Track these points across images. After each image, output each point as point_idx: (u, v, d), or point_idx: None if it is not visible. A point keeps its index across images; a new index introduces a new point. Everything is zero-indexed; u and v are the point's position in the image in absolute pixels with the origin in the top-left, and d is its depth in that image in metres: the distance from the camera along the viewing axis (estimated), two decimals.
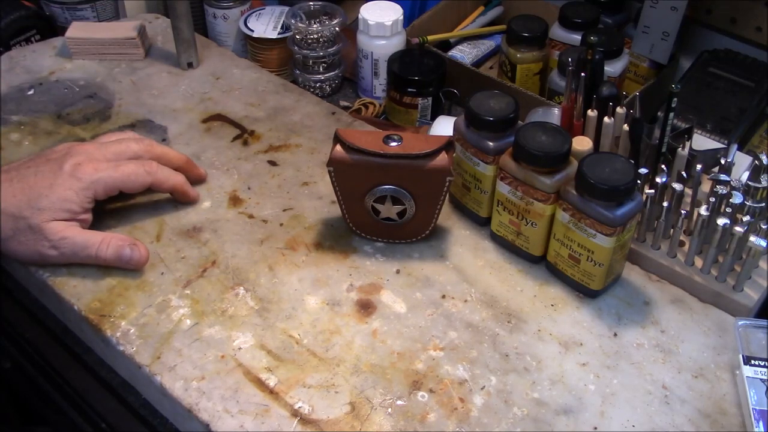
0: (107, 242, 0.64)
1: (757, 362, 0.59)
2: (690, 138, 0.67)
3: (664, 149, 0.67)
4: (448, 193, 0.72)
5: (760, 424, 0.55)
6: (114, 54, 0.90)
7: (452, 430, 0.56)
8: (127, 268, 0.65)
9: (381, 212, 0.67)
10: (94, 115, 0.82)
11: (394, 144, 0.64)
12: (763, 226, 0.62)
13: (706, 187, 0.67)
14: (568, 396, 0.58)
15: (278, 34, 0.94)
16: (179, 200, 0.71)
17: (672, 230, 0.67)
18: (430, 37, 0.92)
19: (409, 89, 0.86)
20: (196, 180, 0.73)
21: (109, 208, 0.70)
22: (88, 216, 0.65)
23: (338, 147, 0.64)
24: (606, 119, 0.66)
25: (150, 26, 0.95)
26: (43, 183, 0.62)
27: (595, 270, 0.63)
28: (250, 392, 0.57)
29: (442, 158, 0.64)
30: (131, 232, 0.69)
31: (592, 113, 0.67)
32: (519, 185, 0.64)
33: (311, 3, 0.93)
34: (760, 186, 0.64)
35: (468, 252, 0.69)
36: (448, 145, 0.64)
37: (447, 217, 0.73)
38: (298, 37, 0.91)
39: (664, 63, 0.88)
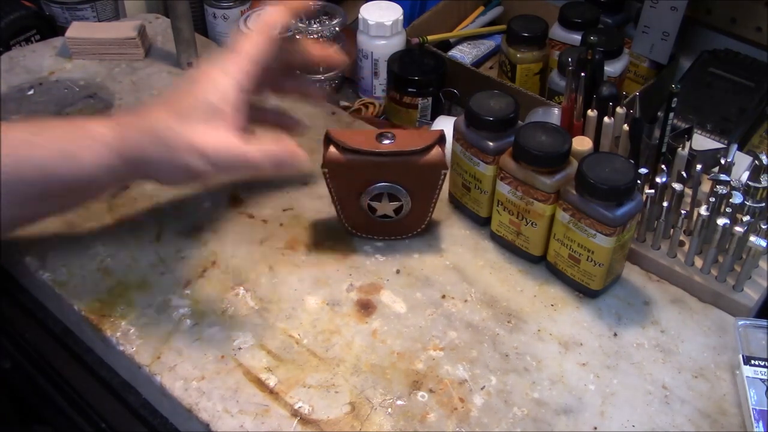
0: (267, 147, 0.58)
1: (757, 362, 0.59)
2: (690, 138, 0.67)
3: (664, 149, 0.67)
4: (448, 192, 0.73)
5: (760, 424, 0.55)
6: (114, 54, 0.90)
7: (452, 430, 0.56)
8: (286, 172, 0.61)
9: (377, 210, 0.67)
10: (94, 115, 0.82)
11: (387, 142, 0.64)
12: (763, 226, 0.62)
13: (706, 187, 0.67)
14: (568, 396, 0.58)
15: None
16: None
17: (672, 230, 0.67)
18: (430, 37, 0.92)
19: (409, 89, 0.86)
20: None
21: (113, 204, 0.70)
22: (239, 116, 0.58)
23: (332, 148, 0.64)
24: (606, 119, 0.66)
25: (150, 26, 0.95)
26: (180, 96, 0.58)
27: (595, 270, 0.63)
28: (250, 392, 0.57)
29: (437, 152, 0.64)
30: (131, 232, 0.69)
31: (592, 113, 0.67)
32: (519, 185, 0.64)
33: (311, 3, 0.93)
34: (760, 186, 0.64)
35: (468, 252, 0.69)
36: (440, 139, 0.65)
37: (447, 217, 0.73)
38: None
39: (664, 63, 0.88)
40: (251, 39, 0.60)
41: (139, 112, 0.59)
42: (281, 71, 0.65)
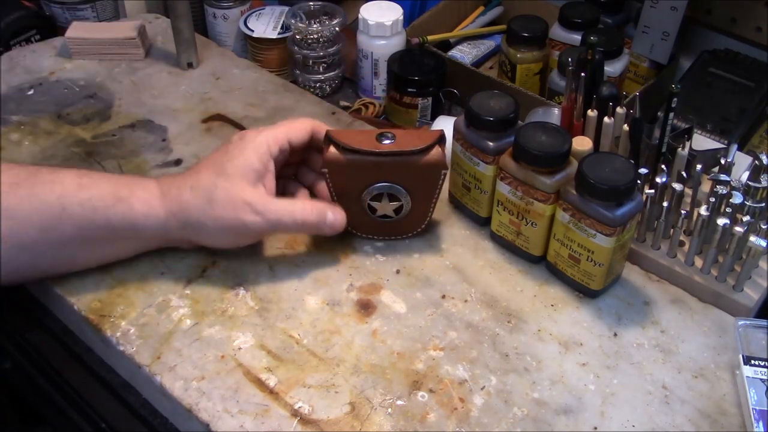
0: (309, 205, 0.64)
1: (757, 362, 0.59)
2: (690, 138, 0.67)
3: (664, 149, 0.67)
4: (448, 192, 0.73)
5: (760, 424, 0.55)
6: (114, 54, 0.90)
7: (452, 430, 0.56)
8: (326, 232, 0.65)
9: (377, 210, 0.67)
10: (94, 115, 0.82)
11: (387, 142, 0.64)
12: (763, 226, 0.62)
13: (706, 187, 0.67)
14: (568, 396, 0.58)
15: (278, 34, 0.94)
16: None
17: (672, 230, 0.67)
18: (430, 37, 0.92)
19: (409, 89, 0.86)
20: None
21: None
22: (273, 179, 0.64)
23: (332, 148, 0.64)
24: (606, 119, 0.66)
25: (150, 26, 0.95)
26: (222, 157, 0.62)
27: (595, 270, 0.63)
28: (250, 392, 0.57)
29: (436, 152, 0.64)
30: None
31: (592, 113, 0.67)
32: (519, 185, 0.64)
33: (311, 3, 0.93)
34: (760, 186, 0.64)
35: (468, 252, 0.69)
36: (440, 139, 0.65)
37: (447, 217, 0.73)
38: (298, 37, 0.91)
39: (664, 63, 0.88)
40: (290, 123, 0.66)
41: (182, 174, 0.63)
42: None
